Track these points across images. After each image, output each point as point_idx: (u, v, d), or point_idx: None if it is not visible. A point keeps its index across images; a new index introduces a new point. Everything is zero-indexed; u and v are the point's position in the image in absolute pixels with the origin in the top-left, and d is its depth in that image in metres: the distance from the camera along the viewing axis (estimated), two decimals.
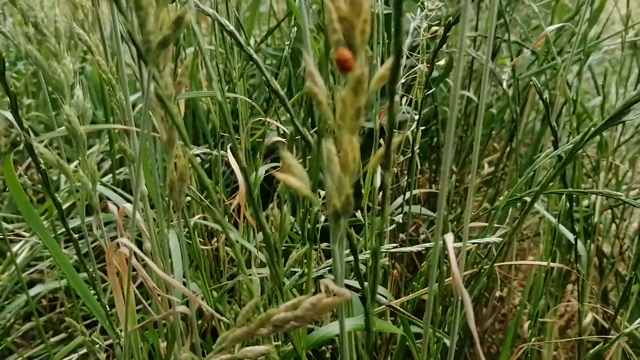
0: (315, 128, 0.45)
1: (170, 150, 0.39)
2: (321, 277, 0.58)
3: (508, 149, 1.12)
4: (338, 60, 0.31)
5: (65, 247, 1.05)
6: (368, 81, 0.33)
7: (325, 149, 0.35)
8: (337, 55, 0.31)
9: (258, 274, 0.54)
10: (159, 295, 0.47)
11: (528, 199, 0.56)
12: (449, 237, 0.42)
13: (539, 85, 0.63)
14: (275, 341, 0.55)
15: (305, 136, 0.44)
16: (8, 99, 0.42)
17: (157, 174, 0.48)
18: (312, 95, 0.33)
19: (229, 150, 0.65)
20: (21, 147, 0.45)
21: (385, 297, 0.68)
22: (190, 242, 0.59)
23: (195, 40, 0.38)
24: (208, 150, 0.82)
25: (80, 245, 0.55)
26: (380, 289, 0.66)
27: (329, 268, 0.56)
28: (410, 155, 0.83)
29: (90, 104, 1.01)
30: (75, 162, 0.63)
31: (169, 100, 0.37)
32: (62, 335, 1.07)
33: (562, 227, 0.75)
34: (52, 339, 1.06)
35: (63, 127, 0.44)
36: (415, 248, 0.59)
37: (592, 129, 0.43)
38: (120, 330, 0.54)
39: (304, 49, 0.33)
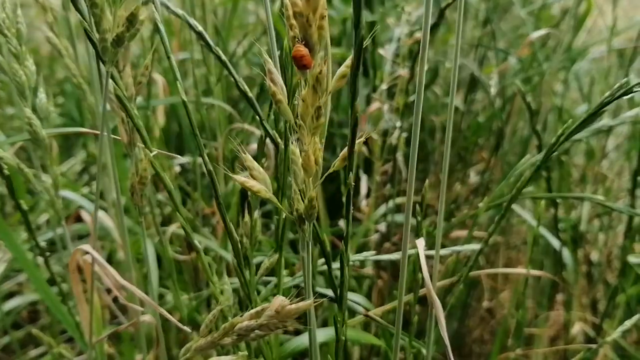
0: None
1: (131, 152, 0.38)
2: (298, 286, 0.57)
3: (494, 157, 1.11)
4: (294, 57, 0.30)
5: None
6: (328, 80, 0.32)
7: (290, 152, 0.34)
8: (293, 53, 0.30)
9: (232, 283, 0.52)
10: (126, 301, 0.45)
11: (513, 206, 0.55)
12: (420, 242, 0.41)
13: (523, 89, 0.63)
14: (249, 356, 0.53)
15: (274, 138, 0.43)
16: None
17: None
18: (271, 94, 0.32)
19: (205, 157, 0.64)
20: None
21: (367, 309, 0.66)
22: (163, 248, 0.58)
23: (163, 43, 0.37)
24: (189, 160, 0.81)
25: (59, 256, 0.53)
26: (361, 299, 0.64)
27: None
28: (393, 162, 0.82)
29: (74, 111, 1.00)
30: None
31: (129, 101, 0.36)
32: (43, 348, 1.04)
33: (546, 234, 0.74)
34: (33, 352, 1.03)
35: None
36: (394, 256, 0.58)
37: (568, 130, 0.42)
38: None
39: (264, 52, 0.32)
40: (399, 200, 0.86)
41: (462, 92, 1.18)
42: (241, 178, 0.33)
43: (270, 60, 0.32)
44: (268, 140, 0.46)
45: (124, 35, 0.32)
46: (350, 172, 0.32)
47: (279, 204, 0.35)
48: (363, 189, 0.94)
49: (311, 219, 0.35)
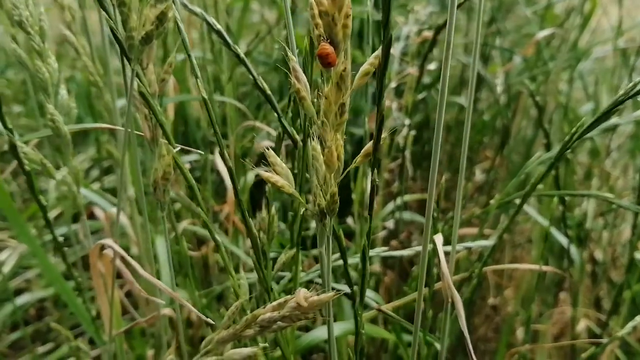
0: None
1: (154, 148, 0.38)
2: (311, 281, 0.58)
3: (500, 155, 1.12)
4: (319, 55, 0.31)
5: (54, 255, 1.03)
6: (352, 78, 0.33)
7: (311, 148, 0.35)
8: (318, 51, 0.31)
9: (247, 278, 0.53)
10: (145, 298, 0.46)
11: (518, 201, 0.55)
12: (439, 238, 0.42)
13: (530, 88, 0.64)
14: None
15: (292, 135, 0.43)
16: None
17: (141, 175, 0.47)
18: (295, 91, 0.33)
19: (216, 154, 0.65)
20: (5, 147, 0.44)
21: (378, 303, 0.67)
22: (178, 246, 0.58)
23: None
24: (198, 157, 0.82)
25: (72, 251, 0.54)
26: (372, 294, 0.65)
27: (319, 272, 0.56)
28: (401, 162, 0.83)
29: (80, 108, 1.00)
30: (64, 169, 0.62)
31: (153, 98, 0.37)
32: (50, 345, 1.05)
33: (554, 231, 0.75)
34: (40, 349, 1.04)
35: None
36: (406, 252, 0.59)
37: (582, 127, 0.42)
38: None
39: (288, 49, 0.33)
40: (406, 197, 0.87)
41: (466, 90, 1.18)
42: (266, 173, 0.33)
43: (294, 58, 0.32)
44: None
45: (153, 33, 0.32)
46: (376, 168, 0.33)
47: (300, 199, 0.36)
48: (368, 187, 0.94)
49: (333, 214, 0.36)
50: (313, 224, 0.82)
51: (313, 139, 0.34)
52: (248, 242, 0.76)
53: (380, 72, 0.31)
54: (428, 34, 0.76)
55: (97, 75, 0.55)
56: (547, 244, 0.88)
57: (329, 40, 0.31)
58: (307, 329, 0.66)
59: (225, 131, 0.76)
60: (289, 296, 0.36)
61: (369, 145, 0.33)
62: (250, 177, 0.74)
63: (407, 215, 0.91)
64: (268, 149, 0.35)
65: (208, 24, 0.46)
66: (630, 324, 0.53)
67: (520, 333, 0.95)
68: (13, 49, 0.43)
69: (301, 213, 0.46)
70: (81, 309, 0.58)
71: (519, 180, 0.59)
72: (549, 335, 0.98)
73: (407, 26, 0.79)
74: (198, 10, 0.47)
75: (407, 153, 0.81)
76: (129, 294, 0.75)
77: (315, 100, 0.34)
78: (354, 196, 0.77)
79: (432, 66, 0.78)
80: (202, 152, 0.80)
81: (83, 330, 0.93)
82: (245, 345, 0.49)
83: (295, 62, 0.32)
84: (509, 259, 1.10)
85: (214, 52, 0.70)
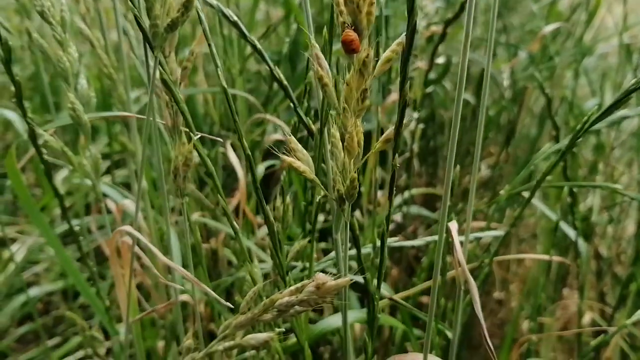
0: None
1: (175, 136, 0.39)
2: (323, 271, 0.58)
3: (505, 151, 1.13)
4: (344, 41, 0.31)
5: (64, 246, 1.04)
6: (374, 65, 0.34)
7: (330, 135, 0.36)
8: (343, 37, 0.31)
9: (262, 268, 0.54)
10: (158, 286, 0.47)
11: (526, 195, 0.56)
12: (454, 225, 0.43)
13: (539, 80, 0.64)
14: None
15: (308, 125, 0.44)
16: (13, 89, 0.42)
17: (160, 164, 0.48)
18: (318, 77, 0.33)
19: (228, 146, 0.65)
20: (25, 137, 0.45)
21: (390, 293, 0.68)
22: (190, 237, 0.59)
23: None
24: (205, 150, 0.82)
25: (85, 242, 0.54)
26: (382, 285, 0.66)
27: (330, 262, 0.56)
28: (408, 155, 0.84)
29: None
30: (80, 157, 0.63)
31: (175, 85, 0.38)
32: (58, 339, 1.06)
33: (562, 224, 0.76)
34: (49, 342, 1.04)
35: (66, 116, 0.44)
36: (417, 242, 0.59)
37: (590, 120, 0.43)
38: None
39: (308, 36, 0.33)
40: (413, 191, 0.88)
41: (471, 86, 1.19)
42: (289, 159, 0.34)
43: (317, 45, 0.33)
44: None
45: (178, 20, 0.33)
46: (397, 153, 0.34)
47: (320, 184, 0.37)
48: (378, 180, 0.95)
49: (352, 200, 0.36)
50: (320, 218, 0.83)
51: (332, 127, 0.35)
52: (258, 234, 0.77)
53: (404, 58, 0.31)
54: (436, 28, 0.77)
55: (112, 68, 0.56)
56: (552, 237, 0.88)
57: (353, 27, 0.31)
58: (314, 321, 0.66)
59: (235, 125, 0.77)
60: (306, 280, 0.36)
61: (390, 131, 0.34)
62: (260, 170, 0.74)
63: (414, 209, 0.91)
64: (290, 135, 0.36)
65: (224, 15, 0.47)
66: (636, 316, 0.54)
67: (525, 326, 0.96)
68: (35, 39, 0.44)
69: (317, 200, 0.47)
70: (95, 299, 0.58)
71: (527, 172, 0.59)
72: (554, 328, 0.99)
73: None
74: (214, 2, 0.48)
75: (415, 147, 0.81)
76: (140, 287, 0.75)
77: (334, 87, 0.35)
78: (362, 189, 0.78)
79: (439, 60, 0.79)
80: (206, 146, 0.81)
81: (92, 324, 0.94)
82: (260, 332, 0.50)
83: (317, 48, 0.33)
84: (515, 253, 1.11)
85: (225, 46, 0.71)
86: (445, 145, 1.20)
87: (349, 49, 0.31)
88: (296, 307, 0.38)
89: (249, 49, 0.88)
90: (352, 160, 0.35)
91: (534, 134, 1.20)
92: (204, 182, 0.88)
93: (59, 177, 1.00)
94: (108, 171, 0.92)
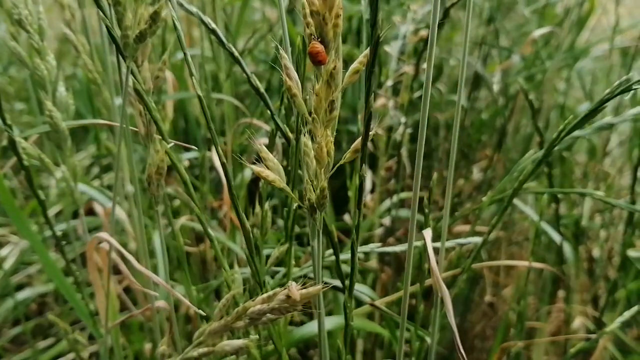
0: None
1: (149, 144, 0.39)
2: (305, 276, 0.58)
3: (497, 154, 1.13)
4: (310, 53, 0.31)
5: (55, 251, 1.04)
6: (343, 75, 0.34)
7: (302, 144, 0.36)
8: (309, 49, 0.32)
9: (241, 273, 0.54)
10: (143, 293, 0.47)
11: (516, 201, 0.56)
12: (427, 233, 0.43)
13: (525, 87, 0.64)
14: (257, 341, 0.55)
15: (285, 133, 0.44)
16: None
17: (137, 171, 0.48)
18: (287, 88, 0.33)
19: (213, 150, 0.65)
20: (4, 143, 0.45)
21: (372, 299, 0.68)
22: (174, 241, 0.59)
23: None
24: (197, 155, 0.82)
25: (71, 247, 0.55)
26: (367, 290, 0.66)
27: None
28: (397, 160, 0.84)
29: (82, 105, 1.01)
30: (63, 165, 0.63)
31: (147, 94, 0.38)
32: (52, 340, 1.06)
33: (547, 227, 0.76)
34: (41, 344, 1.05)
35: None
36: (399, 248, 0.59)
37: (569, 126, 0.43)
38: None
39: (281, 48, 0.33)
40: (403, 195, 0.88)
41: (465, 89, 1.19)
42: (257, 168, 0.34)
43: (286, 56, 0.33)
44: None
45: (146, 32, 0.33)
46: (364, 163, 0.34)
47: (291, 193, 0.37)
48: (368, 184, 0.95)
49: (322, 208, 0.36)
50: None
51: (305, 136, 0.35)
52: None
53: (368, 71, 0.31)
54: (425, 32, 0.77)
55: (96, 73, 0.56)
56: (545, 243, 0.88)
57: (319, 39, 0.32)
58: (301, 324, 0.67)
59: (224, 128, 0.77)
60: (278, 289, 0.37)
61: (358, 141, 0.34)
62: (248, 173, 0.74)
63: (403, 212, 0.92)
64: (260, 145, 0.36)
65: (203, 23, 0.47)
66: (620, 319, 0.54)
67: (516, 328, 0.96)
68: (12, 47, 0.44)
69: (294, 208, 0.47)
70: (80, 303, 0.58)
71: (511, 177, 0.59)
72: (545, 333, 0.99)
73: (405, 25, 0.80)
74: (194, 9, 0.48)
75: (404, 150, 0.81)
76: (127, 290, 0.76)
77: (307, 97, 0.35)
78: (350, 194, 0.78)
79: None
80: (199, 149, 0.81)
81: (84, 326, 0.94)
82: (239, 338, 0.50)
83: (286, 59, 0.33)
84: (506, 257, 1.11)
85: (213, 50, 0.71)
86: (441, 146, 1.20)
87: (316, 60, 0.31)
88: (268, 315, 0.38)
89: (242, 53, 0.88)
90: (323, 169, 0.35)
91: (528, 134, 1.20)
92: (195, 185, 0.88)
93: (53, 179, 1.01)
94: (99, 174, 0.92)
